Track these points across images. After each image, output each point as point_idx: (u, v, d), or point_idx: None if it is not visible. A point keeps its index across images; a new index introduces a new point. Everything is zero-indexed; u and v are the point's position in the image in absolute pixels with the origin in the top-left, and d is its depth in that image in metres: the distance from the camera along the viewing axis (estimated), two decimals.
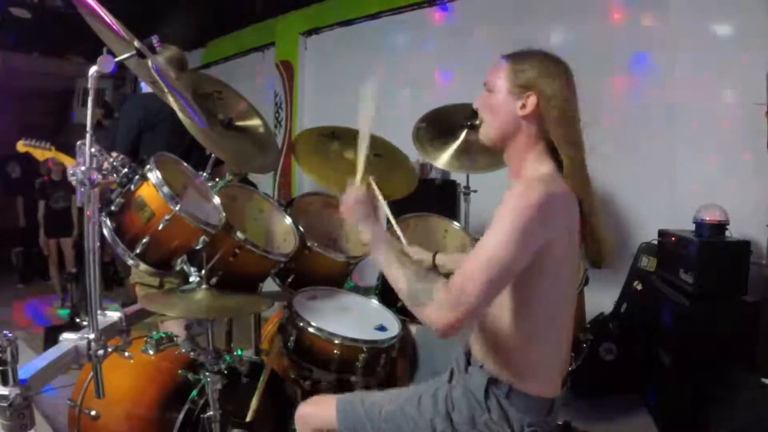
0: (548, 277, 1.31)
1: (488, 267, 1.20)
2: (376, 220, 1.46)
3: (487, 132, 1.45)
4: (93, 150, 1.37)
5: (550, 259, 1.28)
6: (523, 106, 1.36)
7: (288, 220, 2.13)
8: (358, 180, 1.52)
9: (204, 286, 1.74)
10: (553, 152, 1.39)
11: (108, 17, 1.37)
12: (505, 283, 1.26)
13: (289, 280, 2.10)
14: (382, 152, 2.41)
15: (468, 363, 1.49)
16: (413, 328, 1.95)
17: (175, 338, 1.90)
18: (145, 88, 2.71)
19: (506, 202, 1.26)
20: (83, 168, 1.36)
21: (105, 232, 1.58)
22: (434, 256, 1.97)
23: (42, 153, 2.60)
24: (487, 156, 2.45)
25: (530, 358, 1.36)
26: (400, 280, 1.30)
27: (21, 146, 2.61)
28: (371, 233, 1.42)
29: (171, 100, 1.66)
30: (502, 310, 1.37)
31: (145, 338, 1.87)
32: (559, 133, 1.35)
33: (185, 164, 1.90)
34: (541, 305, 1.33)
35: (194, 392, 1.78)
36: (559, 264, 1.31)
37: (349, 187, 1.49)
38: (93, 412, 1.77)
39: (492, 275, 1.19)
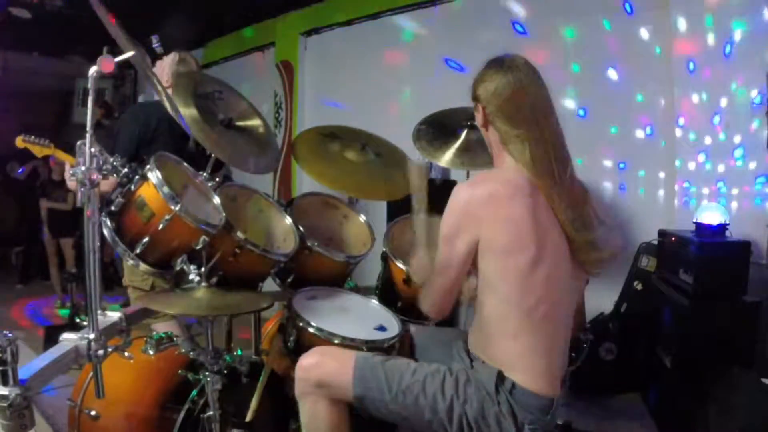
0: (507, 273, 1.36)
1: (435, 268, 1.48)
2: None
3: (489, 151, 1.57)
4: (93, 150, 1.37)
5: (494, 255, 1.36)
6: (482, 117, 1.49)
7: (288, 220, 2.13)
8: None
9: (204, 285, 1.74)
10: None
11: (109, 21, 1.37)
12: (452, 279, 1.45)
13: (289, 280, 2.09)
14: (382, 152, 2.41)
15: (471, 359, 1.52)
16: (411, 328, 1.96)
17: (175, 338, 1.90)
18: (148, 91, 2.72)
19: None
20: (83, 168, 1.36)
21: (105, 232, 1.58)
22: None
23: (41, 150, 2.60)
24: (487, 155, 2.45)
25: (516, 354, 1.39)
26: (425, 269, 1.57)
27: (20, 142, 2.60)
28: (420, 224, 1.67)
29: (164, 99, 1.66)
30: (485, 306, 1.42)
31: (145, 338, 1.87)
32: (503, 130, 1.44)
33: (185, 164, 1.90)
34: (510, 301, 1.37)
35: (194, 392, 1.79)
36: (510, 258, 1.35)
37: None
38: (93, 412, 1.77)
39: (438, 274, 1.47)
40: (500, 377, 1.39)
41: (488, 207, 1.36)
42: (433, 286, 1.51)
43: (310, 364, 1.52)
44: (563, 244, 1.40)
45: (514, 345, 1.38)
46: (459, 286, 1.49)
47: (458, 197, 1.42)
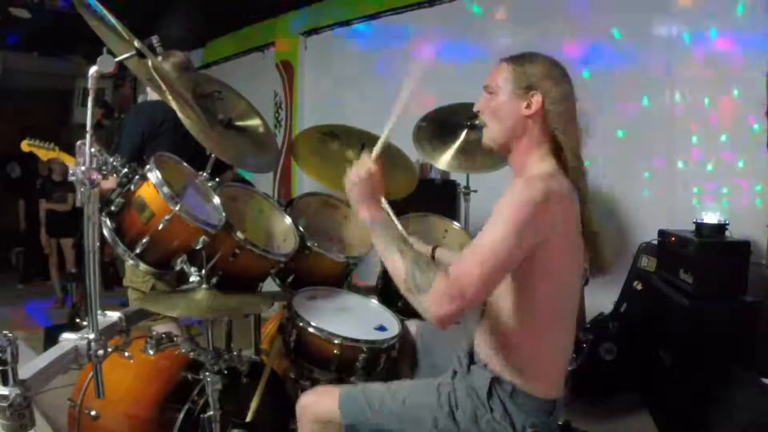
0: (551, 274, 1.32)
1: (483, 261, 1.20)
2: (378, 202, 1.43)
3: (492, 135, 1.46)
4: (93, 150, 1.37)
5: (550, 256, 1.29)
6: (528, 106, 1.38)
7: (288, 220, 2.13)
8: (374, 155, 1.46)
9: (204, 286, 1.74)
10: (556, 152, 1.40)
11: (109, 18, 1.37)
12: (501, 276, 1.26)
13: (289, 280, 2.10)
14: (382, 152, 2.40)
15: (471, 362, 1.49)
16: (413, 328, 1.95)
17: (175, 338, 1.90)
18: (150, 95, 2.72)
19: (505, 196, 1.28)
20: (83, 168, 1.36)
21: (105, 232, 1.58)
22: (434, 250, 1.97)
23: (45, 153, 2.60)
24: (487, 156, 2.45)
25: (534, 357, 1.37)
26: (398, 265, 1.28)
27: (25, 146, 2.61)
28: (369, 215, 1.39)
29: (170, 99, 1.66)
30: (506, 308, 1.37)
31: (145, 338, 1.87)
32: (564, 132, 1.37)
33: (185, 164, 1.90)
34: (545, 305, 1.34)
35: (194, 392, 1.79)
36: (561, 261, 1.32)
37: (362, 160, 1.45)
38: (93, 412, 1.77)
39: (487, 269, 1.20)
40: (497, 381, 1.38)
41: (560, 208, 1.29)
42: (469, 284, 1.19)
43: (307, 404, 1.57)
44: (581, 247, 1.40)
45: (526, 347, 1.37)
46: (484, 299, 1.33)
47: (532, 190, 1.25)
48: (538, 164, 1.40)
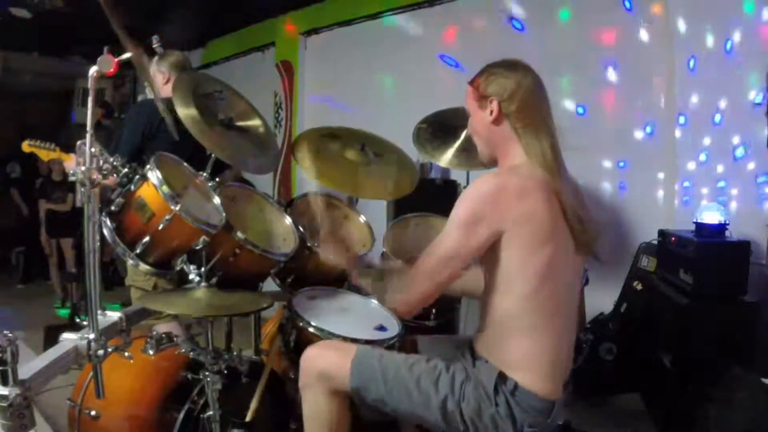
0: (531, 268, 1.36)
1: (434, 254, 1.42)
2: (353, 260, 1.77)
3: (480, 150, 1.59)
4: (93, 150, 1.37)
5: (520, 248, 1.35)
6: (491, 113, 1.48)
7: (288, 220, 2.13)
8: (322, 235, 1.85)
9: (204, 285, 1.74)
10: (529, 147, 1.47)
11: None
12: (455, 267, 1.42)
13: (289, 280, 2.10)
14: (382, 152, 2.41)
15: (474, 359, 1.51)
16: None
17: (175, 338, 1.90)
18: (150, 94, 2.72)
19: (461, 195, 1.43)
20: (83, 168, 1.36)
21: (105, 232, 1.58)
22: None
23: (47, 153, 2.60)
24: None
25: (527, 355, 1.39)
26: (383, 297, 1.61)
27: (26, 146, 2.60)
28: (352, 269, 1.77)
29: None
30: (495, 305, 1.42)
31: (145, 338, 1.87)
32: (519, 126, 1.46)
33: (185, 164, 1.90)
34: (532, 300, 1.37)
35: (194, 392, 1.78)
36: (539, 254, 1.35)
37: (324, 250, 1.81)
38: (93, 412, 1.77)
39: (439, 262, 1.41)
40: (501, 378, 1.39)
41: (518, 200, 1.35)
42: (423, 278, 1.44)
43: (314, 355, 1.55)
44: (569, 237, 1.42)
45: (525, 344, 1.39)
46: (455, 281, 1.46)
47: (486, 186, 1.40)
48: (509, 161, 1.49)
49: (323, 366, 1.52)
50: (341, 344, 1.60)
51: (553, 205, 1.38)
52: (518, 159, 1.46)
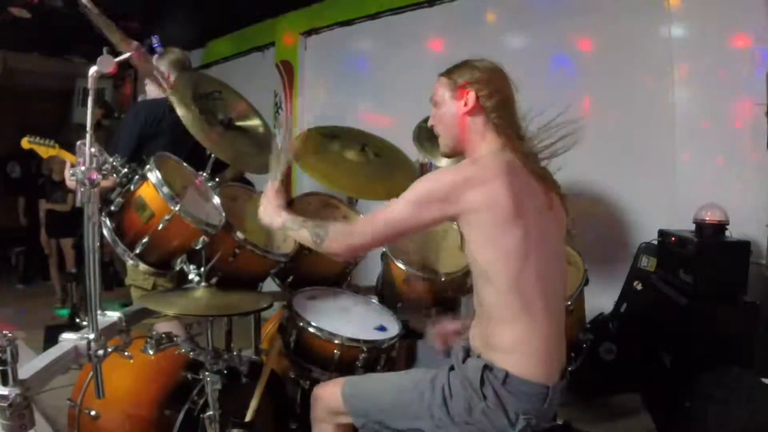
0: (502, 250, 1.39)
1: (378, 218, 1.49)
2: (279, 207, 1.71)
3: (444, 141, 1.61)
4: (93, 150, 1.37)
5: (491, 228, 1.39)
6: (465, 104, 1.52)
7: None
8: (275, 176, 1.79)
9: (203, 284, 1.74)
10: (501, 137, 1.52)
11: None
12: (391, 236, 1.53)
13: (289, 280, 2.10)
14: (382, 152, 2.41)
15: (466, 356, 1.52)
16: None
17: (175, 338, 1.90)
18: (150, 93, 2.72)
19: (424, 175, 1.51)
20: (83, 168, 1.36)
21: (105, 232, 1.58)
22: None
23: (46, 150, 2.60)
24: None
25: (517, 339, 1.41)
26: (304, 234, 1.59)
27: (25, 143, 2.60)
28: (281, 219, 1.67)
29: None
30: (482, 293, 1.46)
31: (145, 338, 1.87)
32: (500, 117, 1.50)
33: (185, 164, 1.90)
34: (509, 284, 1.40)
35: (194, 392, 1.78)
36: (511, 236, 1.38)
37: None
38: (93, 412, 1.77)
39: (380, 226, 1.49)
40: (488, 369, 1.41)
41: (477, 189, 1.39)
42: (365, 231, 1.52)
43: (320, 395, 1.64)
44: (541, 213, 1.45)
45: (514, 329, 1.41)
46: (379, 247, 1.54)
47: (449, 175, 1.44)
48: (477, 152, 1.52)
49: (326, 404, 1.62)
50: (337, 381, 1.65)
51: (516, 187, 1.40)
52: (484, 149, 1.51)
